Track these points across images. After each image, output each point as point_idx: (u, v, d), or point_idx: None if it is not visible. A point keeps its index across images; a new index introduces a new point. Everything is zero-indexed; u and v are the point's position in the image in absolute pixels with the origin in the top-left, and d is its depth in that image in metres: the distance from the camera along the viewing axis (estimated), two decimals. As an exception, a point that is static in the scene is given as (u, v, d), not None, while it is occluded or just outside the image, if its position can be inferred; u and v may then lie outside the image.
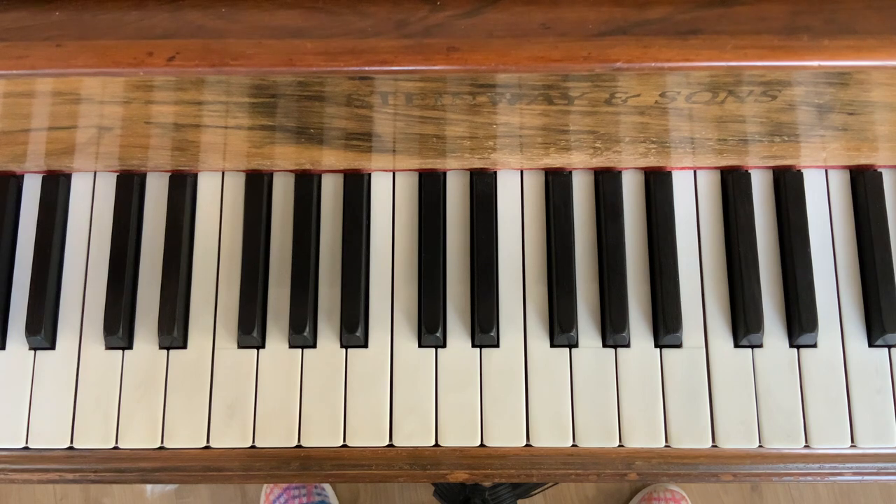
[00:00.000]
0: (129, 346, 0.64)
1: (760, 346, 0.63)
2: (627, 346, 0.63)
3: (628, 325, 0.62)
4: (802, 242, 0.63)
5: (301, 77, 0.50)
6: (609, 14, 0.48)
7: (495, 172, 0.66)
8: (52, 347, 0.64)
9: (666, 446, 0.61)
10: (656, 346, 0.63)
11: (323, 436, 0.61)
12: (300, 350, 0.63)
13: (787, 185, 0.65)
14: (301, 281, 0.63)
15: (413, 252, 0.65)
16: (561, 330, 0.62)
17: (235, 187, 0.66)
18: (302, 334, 0.62)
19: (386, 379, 0.62)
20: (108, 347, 0.63)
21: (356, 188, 0.65)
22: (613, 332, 0.62)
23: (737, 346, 0.63)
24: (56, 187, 0.65)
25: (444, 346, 0.63)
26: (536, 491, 1.27)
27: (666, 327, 0.62)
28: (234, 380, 0.63)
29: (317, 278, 0.64)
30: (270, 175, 0.66)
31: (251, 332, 0.62)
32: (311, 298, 0.63)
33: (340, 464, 0.62)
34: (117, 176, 0.66)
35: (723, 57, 0.48)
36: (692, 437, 0.61)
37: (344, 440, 0.62)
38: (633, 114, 0.55)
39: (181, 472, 0.63)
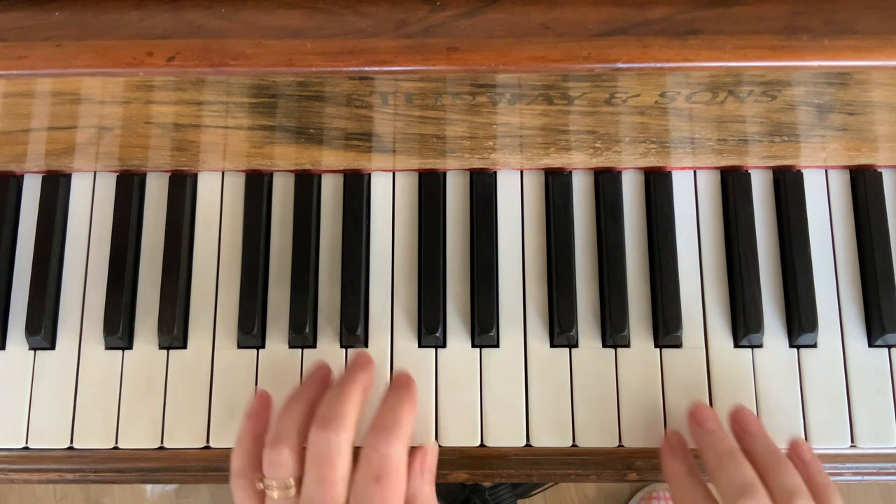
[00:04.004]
0: (129, 346, 0.64)
1: (760, 346, 0.63)
2: (627, 346, 0.63)
3: (628, 325, 0.62)
4: (802, 242, 0.63)
5: (301, 77, 0.50)
6: (609, 14, 0.48)
7: (495, 172, 0.66)
8: (52, 347, 0.64)
9: (666, 446, 0.61)
10: (656, 346, 0.63)
11: (323, 436, 0.61)
12: (300, 350, 0.63)
13: (787, 185, 0.65)
14: (301, 281, 0.63)
15: (413, 252, 0.65)
16: (561, 330, 0.62)
17: (235, 187, 0.66)
18: (302, 334, 0.62)
19: (386, 379, 0.62)
20: (108, 347, 0.63)
21: (356, 188, 0.65)
22: (613, 332, 0.62)
23: (737, 346, 0.63)
24: (56, 187, 0.65)
25: (444, 346, 0.63)
26: (536, 491, 1.28)
27: (666, 327, 0.62)
28: (234, 380, 0.63)
29: (317, 278, 0.64)
30: (270, 175, 0.66)
31: (251, 332, 0.62)
32: (311, 298, 0.63)
33: (340, 464, 0.62)
34: (117, 176, 0.66)
35: (723, 57, 0.48)
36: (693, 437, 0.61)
37: (344, 440, 0.62)
38: (633, 114, 0.55)
39: (181, 472, 0.63)
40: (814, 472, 0.57)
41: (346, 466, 0.54)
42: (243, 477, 0.56)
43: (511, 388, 0.62)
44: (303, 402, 0.57)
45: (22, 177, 0.67)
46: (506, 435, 0.61)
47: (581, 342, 0.63)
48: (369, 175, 0.66)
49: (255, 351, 0.63)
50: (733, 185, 0.65)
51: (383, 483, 0.53)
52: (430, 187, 0.65)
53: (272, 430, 0.56)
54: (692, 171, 0.66)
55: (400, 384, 0.59)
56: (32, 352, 0.63)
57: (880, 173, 0.65)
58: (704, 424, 0.59)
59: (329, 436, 0.53)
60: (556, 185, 0.65)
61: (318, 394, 0.58)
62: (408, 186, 0.66)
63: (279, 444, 0.54)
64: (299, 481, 0.54)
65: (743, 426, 0.59)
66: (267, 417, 0.59)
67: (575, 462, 0.62)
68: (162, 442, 0.62)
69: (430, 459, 0.57)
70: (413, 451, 0.57)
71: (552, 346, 0.63)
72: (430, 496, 0.56)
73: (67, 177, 0.66)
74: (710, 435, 0.57)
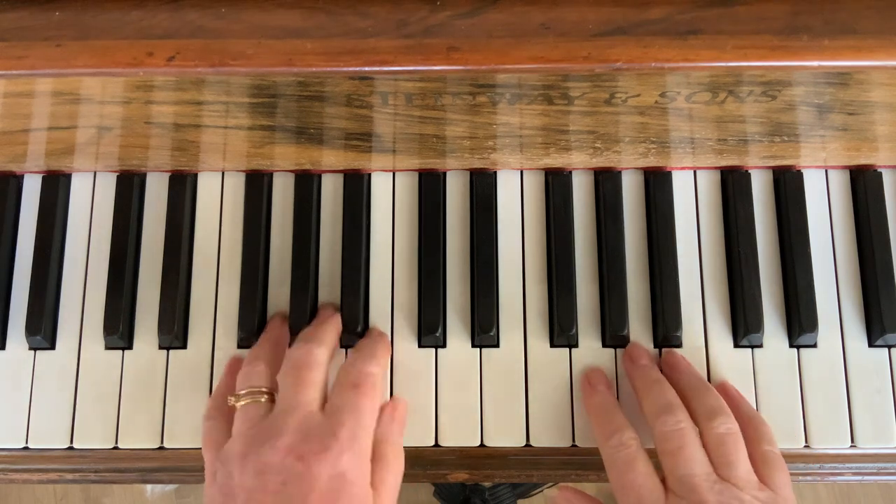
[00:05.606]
0: (129, 346, 0.64)
1: (760, 346, 0.63)
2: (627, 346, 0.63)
3: (628, 325, 0.62)
4: (802, 242, 0.63)
5: (301, 77, 0.50)
6: (609, 14, 0.48)
7: (495, 172, 0.66)
8: (52, 347, 0.64)
9: (666, 446, 0.61)
10: (656, 346, 0.63)
11: (323, 436, 0.61)
12: (300, 350, 0.63)
13: (787, 185, 0.65)
14: (301, 281, 0.63)
15: (413, 252, 0.65)
16: (561, 330, 0.62)
17: (235, 187, 0.66)
18: (302, 334, 0.62)
19: (386, 379, 0.62)
20: (108, 347, 0.63)
21: (356, 188, 0.65)
22: (613, 332, 0.62)
23: (737, 346, 0.63)
24: (56, 187, 0.65)
25: (444, 346, 0.63)
26: (536, 491, 1.28)
27: (666, 327, 0.62)
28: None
29: (317, 278, 0.64)
30: (270, 175, 0.66)
31: (251, 331, 0.62)
32: (310, 298, 0.63)
33: (340, 464, 0.62)
34: (117, 176, 0.66)
35: (723, 57, 0.48)
36: (692, 437, 0.61)
37: (344, 440, 0.61)
38: (633, 114, 0.55)
39: (181, 472, 0.63)
40: (740, 405, 0.59)
41: (322, 376, 0.56)
42: (215, 409, 0.58)
43: (511, 388, 0.62)
44: (273, 341, 0.60)
45: (22, 177, 0.67)
46: (506, 435, 0.61)
47: (581, 342, 0.63)
48: (369, 175, 0.66)
49: (255, 351, 0.63)
50: (733, 185, 0.65)
51: (360, 390, 0.54)
52: (430, 187, 0.65)
53: (247, 356, 0.59)
54: (692, 171, 0.66)
55: (374, 333, 0.62)
56: (32, 352, 0.63)
57: (880, 173, 0.65)
58: (638, 361, 0.61)
59: (309, 346, 0.56)
60: (556, 185, 0.65)
61: (287, 337, 0.61)
62: (408, 186, 0.66)
63: (256, 361, 0.57)
64: (271, 395, 0.56)
65: (672, 365, 0.61)
66: None
67: (575, 462, 0.62)
68: (162, 442, 0.62)
69: (401, 410, 0.60)
70: (386, 401, 0.60)
71: (552, 346, 0.63)
72: (397, 441, 0.58)
73: (67, 177, 0.66)
74: (642, 369, 0.60)
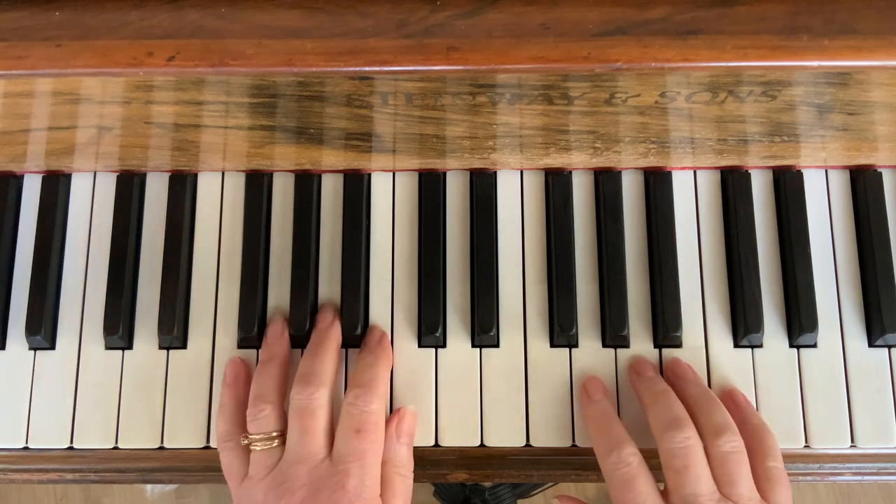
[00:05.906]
0: (129, 346, 0.64)
1: (760, 346, 0.63)
2: (627, 346, 0.63)
3: (628, 325, 0.62)
4: (802, 242, 0.63)
5: (301, 77, 0.50)
6: (609, 14, 0.48)
7: (495, 172, 0.66)
8: (52, 347, 0.64)
9: (666, 446, 0.61)
10: (656, 346, 0.63)
11: (323, 436, 0.61)
12: (300, 350, 0.63)
13: (787, 185, 0.65)
14: (301, 281, 0.63)
15: (413, 252, 0.65)
16: (561, 330, 0.62)
17: (235, 187, 0.66)
18: (302, 334, 0.62)
19: (386, 381, 0.62)
20: (108, 347, 0.63)
21: (356, 188, 0.65)
22: (613, 332, 0.62)
23: (737, 346, 0.63)
24: (56, 187, 0.65)
25: (443, 346, 0.63)
26: (536, 491, 1.28)
27: (666, 327, 0.62)
28: (234, 380, 0.62)
29: (317, 278, 0.64)
30: (270, 175, 0.66)
31: (251, 331, 0.62)
32: (310, 298, 0.63)
33: (340, 464, 0.62)
34: (117, 176, 0.66)
35: (723, 57, 0.48)
36: (692, 437, 0.61)
37: (344, 440, 0.61)
38: (633, 114, 0.55)
39: (181, 472, 0.63)
40: (748, 415, 0.59)
41: (326, 419, 0.57)
42: (230, 439, 0.59)
43: (511, 388, 0.62)
44: (276, 362, 0.61)
45: (22, 177, 0.67)
46: (506, 435, 0.61)
47: (581, 342, 0.63)
48: (369, 175, 0.66)
49: (255, 351, 0.63)
50: (733, 185, 0.65)
51: (363, 435, 0.56)
52: (430, 187, 0.65)
53: (252, 390, 0.59)
54: (692, 171, 0.66)
55: (373, 343, 0.62)
56: (32, 352, 0.63)
57: (880, 173, 0.65)
58: (644, 373, 0.61)
59: (310, 391, 0.57)
60: (556, 185, 0.65)
61: (288, 353, 0.62)
62: (408, 186, 0.66)
63: (260, 402, 0.58)
64: (282, 436, 0.57)
65: (678, 374, 0.61)
66: (246, 383, 0.61)
67: (575, 462, 0.62)
68: (162, 442, 0.62)
69: (407, 423, 0.60)
70: (390, 415, 0.60)
71: (552, 346, 0.63)
72: (405, 459, 0.59)
73: (67, 177, 0.66)
74: (648, 381, 0.60)
